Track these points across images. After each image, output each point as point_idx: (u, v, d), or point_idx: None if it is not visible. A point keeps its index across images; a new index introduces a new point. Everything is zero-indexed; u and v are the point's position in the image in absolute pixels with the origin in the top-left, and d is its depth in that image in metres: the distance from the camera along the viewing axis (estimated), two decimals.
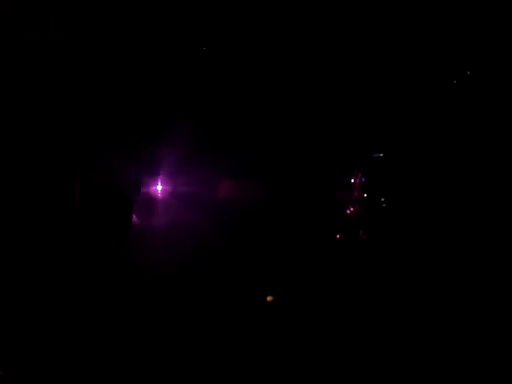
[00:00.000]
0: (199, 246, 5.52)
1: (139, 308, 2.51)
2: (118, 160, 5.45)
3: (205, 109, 5.80)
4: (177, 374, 4.12)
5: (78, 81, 4.88)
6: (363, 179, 6.04)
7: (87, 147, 5.26)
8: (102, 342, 2.36)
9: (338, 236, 5.96)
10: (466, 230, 5.45)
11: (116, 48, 5.33)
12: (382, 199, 5.99)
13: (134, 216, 5.54)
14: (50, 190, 4.55)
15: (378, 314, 5.13)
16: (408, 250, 5.61)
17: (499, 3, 5.09)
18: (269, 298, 5.59)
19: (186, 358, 4.47)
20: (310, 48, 5.76)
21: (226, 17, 5.57)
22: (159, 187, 5.67)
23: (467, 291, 5.09)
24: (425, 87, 5.81)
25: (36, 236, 4.14)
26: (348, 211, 6.00)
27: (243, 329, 5.10)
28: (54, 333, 2.35)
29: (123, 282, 2.50)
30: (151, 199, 5.58)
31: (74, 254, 2.46)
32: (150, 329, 2.51)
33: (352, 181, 6.03)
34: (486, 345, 4.57)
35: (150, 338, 2.50)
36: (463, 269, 5.24)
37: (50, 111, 4.42)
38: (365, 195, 6.01)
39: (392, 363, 4.65)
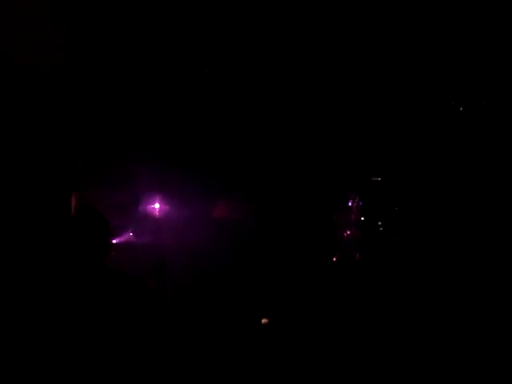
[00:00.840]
0: (196, 264, 5.51)
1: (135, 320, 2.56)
2: (117, 177, 5.47)
3: (203, 130, 5.82)
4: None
5: (78, 95, 4.91)
6: (361, 203, 6.05)
7: (86, 164, 5.27)
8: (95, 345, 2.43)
9: (334, 259, 5.96)
10: (463, 255, 5.45)
11: (110, 69, 5.36)
12: (379, 223, 6.00)
13: (131, 233, 5.56)
14: (46, 206, 4.55)
15: (375, 334, 5.11)
16: (404, 273, 5.60)
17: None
18: (264, 321, 5.56)
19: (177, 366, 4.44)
20: (307, 72, 5.79)
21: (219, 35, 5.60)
22: (157, 205, 5.68)
23: (463, 315, 5.07)
24: (422, 114, 5.85)
25: (30, 245, 4.15)
26: (345, 234, 6.00)
27: (237, 350, 5.08)
28: (47, 337, 2.44)
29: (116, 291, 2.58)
30: (149, 217, 5.59)
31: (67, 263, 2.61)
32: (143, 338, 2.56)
33: (350, 204, 6.05)
34: (483, 350, 4.55)
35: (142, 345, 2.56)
36: (460, 293, 5.24)
37: (50, 123, 4.43)
38: (362, 218, 6.02)
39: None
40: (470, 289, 5.21)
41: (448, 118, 5.75)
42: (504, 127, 5.50)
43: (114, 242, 5.60)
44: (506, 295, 5.04)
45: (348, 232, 6.01)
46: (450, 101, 5.73)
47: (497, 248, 5.32)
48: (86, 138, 5.16)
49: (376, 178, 6.08)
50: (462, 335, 4.85)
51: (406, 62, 5.65)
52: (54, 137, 4.39)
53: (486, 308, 5.02)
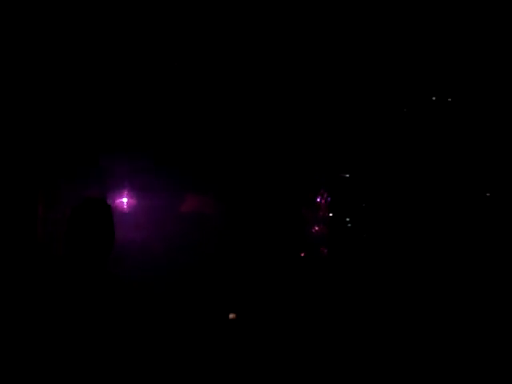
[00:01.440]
0: (163, 260, 5.47)
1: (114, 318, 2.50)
2: (83, 172, 5.39)
3: (172, 123, 5.77)
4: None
5: (47, 89, 4.83)
6: (329, 199, 6.07)
7: (51, 161, 5.18)
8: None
9: (302, 254, 5.98)
10: (432, 250, 5.52)
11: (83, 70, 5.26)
12: (347, 219, 6.04)
13: None
14: (13, 204, 4.48)
15: (342, 332, 5.15)
16: (371, 270, 5.66)
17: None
18: (231, 316, 5.56)
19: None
20: (279, 74, 5.77)
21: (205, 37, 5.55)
22: (125, 199, 5.62)
23: (435, 312, 5.15)
24: (390, 108, 5.89)
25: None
26: (313, 230, 6.02)
27: (206, 346, 5.07)
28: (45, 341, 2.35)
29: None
30: (116, 212, 5.52)
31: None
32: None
33: (318, 200, 6.07)
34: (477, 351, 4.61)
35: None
36: (430, 289, 5.31)
37: (16, 118, 4.36)
38: (330, 214, 6.05)
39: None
40: (441, 283, 5.28)
41: (418, 112, 5.80)
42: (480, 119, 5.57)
43: None
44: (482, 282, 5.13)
45: (316, 228, 6.03)
46: (423, 95, 5.76)
47: (467, 236, 5.41)
48: (55, 133, 5.07)
49: (344, 175, 6.11)
50: (444, 328, 4.92)
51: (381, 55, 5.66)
52: (20, 133, 4.32)
53: (465, 299, 5.10)
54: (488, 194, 5.61)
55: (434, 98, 5.74)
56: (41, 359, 2.30)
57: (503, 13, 5.12)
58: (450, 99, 5.70)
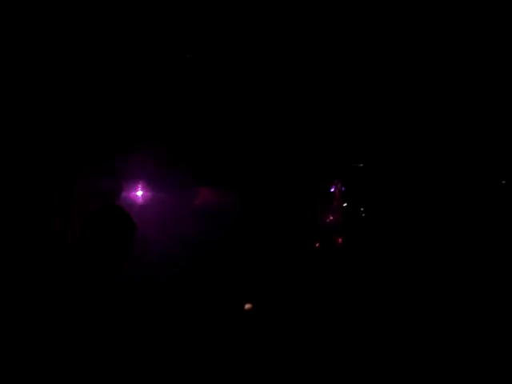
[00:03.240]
0: (179, 251, 5.51)
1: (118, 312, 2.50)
2: (101, 166, 5.44)
3: (183, 116, 5.79)
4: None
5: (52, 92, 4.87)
6: (343, 188, 6.08)
7: (67, 154, 5.23)
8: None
9: (317, 244, 6.00)
10: (445, 240, 5.51)
11: (90, 61, 5.29)
12: (362, 209, 6.04)
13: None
14: (29, 199, 4.53)
15: (357, 321, 5.16)
16: (386, 259, 5.66)
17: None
18: (247, 306, 5.59)
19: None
20: (286, 58, 5.77)
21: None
22: (139, 192, 5.66)
23: (447, 299, 5.15)
24: (404, 100, 5.87)
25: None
26: (327, 220, 6.04)
27: (221, 337, 5.10)
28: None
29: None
30: (131, 204, 5.57)
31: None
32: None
33: (332, 190, 6.08)
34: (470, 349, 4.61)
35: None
36: (442, 278, 5.31)
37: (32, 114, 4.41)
38: (344, 204, 6.05)
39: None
40: (453, 275, 5.28)
41: (432, 106, 5.78)
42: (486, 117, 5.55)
43: None
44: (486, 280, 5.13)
45: (330, 218, 6.05)
46: (434, 91, 5.75)
47: (480, 233, 5.40)
48: (71, 127, 5.12)
49: (358, 164, 6.11)
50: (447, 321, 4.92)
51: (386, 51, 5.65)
52: (38, 127, 4.37)
53: (471, 293, 5.10)
54: (504, 182, 5.58)
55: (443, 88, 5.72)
56: (45, 353, 2.29)
57: (503, 12, 5.10)
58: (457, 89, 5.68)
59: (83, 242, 2.45)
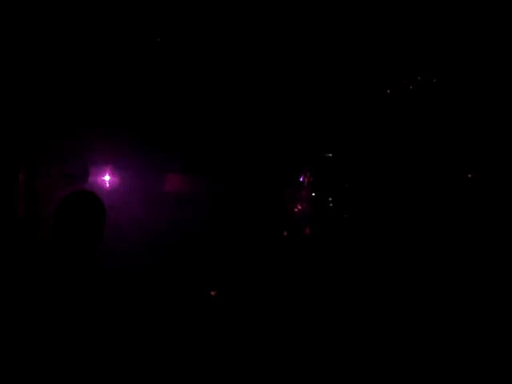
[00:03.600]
0: (144, 237, 5.46)
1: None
2: (66, 149, 5.35)
3: (155, 101, 5.72)
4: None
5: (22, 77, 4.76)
6: (312, 178, 6.10)
7: (32, 136, 5.13)
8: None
9: (284, 233, 6.01)
10: (410, 231, 5.58)
11: (68, 46, 5.18)
12: (330, 198, 6.07)
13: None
14: None
15: (322, 309, 5.20)
16: (352, 249, 5.70)
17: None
18: (213, 293, 5.58)
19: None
20: (257, 48, 5.73)
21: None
22: (107, 177, 5.58)
23: (410, 289, 5.21)
24: (373, 89, 5.89)
25: None
26: (296, 209, 6.05)
27: (185, 326, 5.08)
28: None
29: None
30: (98, 188, 5.49)
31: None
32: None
33: (301, 179, 6.09)
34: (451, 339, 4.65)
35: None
36: (405, 266, 5.37)
37: None
38: (313, 194, 6.07)
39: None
40: (421, 267, 5.34)
41: (398, 93, 5.81)
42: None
43: None
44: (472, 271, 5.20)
45: (299, 207, 6.06)
46: (400, 78, 5.77)
47: (452, 223, 5.47)
48: (34, 110, 5.01)
49: (327, 154, 6.13)
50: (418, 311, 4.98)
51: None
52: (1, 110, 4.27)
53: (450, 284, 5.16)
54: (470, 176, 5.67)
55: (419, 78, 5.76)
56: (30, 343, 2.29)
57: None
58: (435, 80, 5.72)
59: (57, 227, 2.44)
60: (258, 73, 5.82)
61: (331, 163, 6.10)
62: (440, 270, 5.30)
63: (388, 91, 5.89)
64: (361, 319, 5.02)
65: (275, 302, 5.33)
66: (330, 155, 6.10)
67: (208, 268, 5.54)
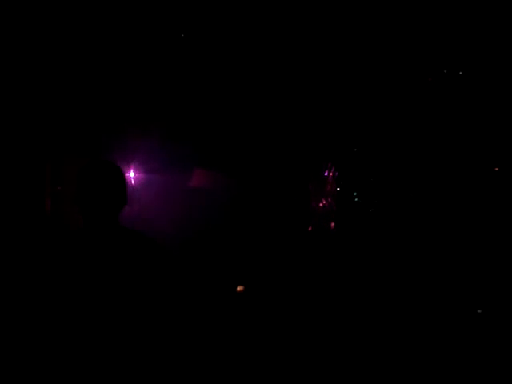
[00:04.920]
0: (171, 233, 5.48)
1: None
2: (92, 148, 5.40)
3: (178, 99, 5.74)
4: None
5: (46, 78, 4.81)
6: (336, 173, 6.06)
7: (57, 137, 5.19)
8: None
9: (309, 228, 5.99)
10: (437, 226, 5.52)
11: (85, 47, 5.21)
12: (355, 193, 6.03)
13: None
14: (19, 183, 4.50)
15: (349, 305, 5.17)
16: (378, 244, 5.66)
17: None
18: (239, 288, 5.59)
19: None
20: (279, 41, 5.71)
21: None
22: (131, 174, 5.62)
23: (438, 285, 5.16)
24: (398, 83, 5.84)
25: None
26: (320, 204, 6.02)
27: (212, 321, 5.09)
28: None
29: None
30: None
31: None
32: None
33: (325, 174, 6.06)
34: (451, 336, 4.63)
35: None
36: (433, 263, 5.32)
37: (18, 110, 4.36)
38: (337, 189, 6.04)
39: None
40: (446, 262, 5.29)
41: (427, 91, 5.75)
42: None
43: None
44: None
45: (323, 202, 6.03)
46: (429, 77, 5.72)
47: (473, 223, 5.41)
48: (59, 110, 5.06)
49: (352, 148, 6.09)
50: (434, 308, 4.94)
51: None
52: (28, 111, 4.32)
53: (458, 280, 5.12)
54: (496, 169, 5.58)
55: (445, 71, 5.69)
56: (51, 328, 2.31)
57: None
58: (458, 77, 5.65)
59: (80, 195, 2.46)
60: (283, 67, 5.80)
61: (356, 157, 6.05)
62: (467, 268, 5.24)
63: (413, 84, 5.84)
64: (387, 315, 4.99)
65: (299, 297, 5.32)
66: (355, 149, 6.06)
67: (233, 263, 5.54)
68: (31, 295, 2.42)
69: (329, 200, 5.99)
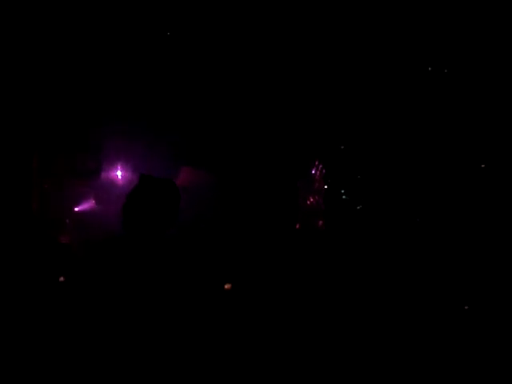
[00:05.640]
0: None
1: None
2: (79, 146, 5.39)
3: (166, 97, 5.74)
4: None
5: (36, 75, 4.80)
6: (324, 171, 6.08)
7: (46, 134, 5.17)
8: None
9: (297, 226, 6.00)
10: (425, 222, 5.55)
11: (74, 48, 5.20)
12: (342, 191, 6.05)
13: (93, 200, 5.50)
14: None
15: (335, 302, 5.19)
16: (367, 241, 5.68)
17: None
18: (226, 286, 5.59)
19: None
20: (266, 45, 5.71)
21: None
22: (119, 173, 5.62)
23: (427, 281, 5.19)
24: (385, 83, 5.86)
25: None
26: (308, 202, 6.04)
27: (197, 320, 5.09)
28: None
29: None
30: (111, 184, 5.52)
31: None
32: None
33: (313, 172, 6.07)
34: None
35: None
36: (423, 259, 5.35)
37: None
38: (325, 187, 6.06)
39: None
40: (431, 258, 5.32)
41: (413, 90, 5.78)
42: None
43: (76, 209, 5.53)
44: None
45: (311, 200, 6.05)
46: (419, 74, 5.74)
47: (457, 218, 5.44)
48: (45, 108, 5.05)
49: (339, 146, 6.11)
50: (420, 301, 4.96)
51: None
52: (14, 108, 4.31)
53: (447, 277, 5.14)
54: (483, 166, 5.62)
55: (429, 68, 5.72)
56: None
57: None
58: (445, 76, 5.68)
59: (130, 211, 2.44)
60: (272, 67, 5.81)
61: (343, 155, 6.07)
62: (453, 264, 5.27)
63: (401, 84, 5.86)
64: (373, 313, 5.01)
65: (287, 295, 5.33)
66: (342, 147, 6.08)
67: (220, 261, 5.55)
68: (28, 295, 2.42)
69: (316, 198, 6.01)
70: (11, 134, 4.47)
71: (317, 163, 6.07)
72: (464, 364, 4.23)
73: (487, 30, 5.25)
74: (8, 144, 4.46)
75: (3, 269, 3.48)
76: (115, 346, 2.38)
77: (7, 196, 4.50)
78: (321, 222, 5.99)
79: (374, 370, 4.23)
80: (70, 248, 4.56)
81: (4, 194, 4.49)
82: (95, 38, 5.21)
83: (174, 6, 5.35)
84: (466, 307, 4.85)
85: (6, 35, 4.47)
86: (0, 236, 4.16)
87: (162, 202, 2.46)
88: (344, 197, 6.05)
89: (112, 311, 2.39)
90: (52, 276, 2.45)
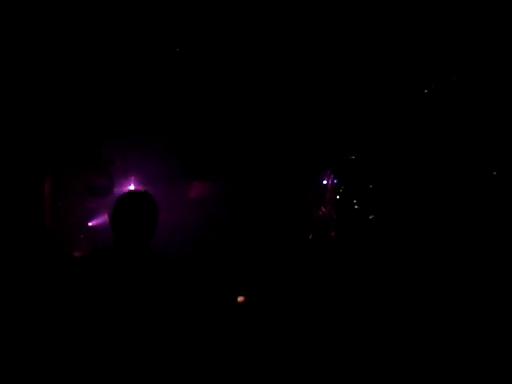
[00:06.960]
0: (171, 245, 5.49)
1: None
2: (91, 160, 5.44)
3: (176, 112, 5.77)
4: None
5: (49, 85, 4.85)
6: (335, 181, 6.08)
7: (56, 151, 5.22)
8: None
9: (309, 237, 6.00)
10: (436, 232, 5.53)
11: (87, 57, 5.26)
12: (354, 201, 6.05)
13: (106, 215, 5.53)
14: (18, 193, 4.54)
15: (349, 312, 5.17)
16: (378, 251, 5.66)
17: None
18: (240, 299, 5.58)
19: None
20: (278, 51, 5.73)
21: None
22: (131, 187, 5.65)
23: (437, 291, 5.16)
24: (396, 93, 5.86)
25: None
26: (320, 212, 6.04)
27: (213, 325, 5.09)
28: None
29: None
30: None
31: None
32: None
33: (324, 182, 6.08)
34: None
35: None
36: (432, 269, 5.32)
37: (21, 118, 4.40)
38: (337, 197, 6.06)
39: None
40: (444, 268, 5.29)
41: (423, 97, 5.77)
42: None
43: (89, 224, 5.58)
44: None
45: (323, 210, 6.05)
46: (426, 83, 5.74)
47: (468, 223, 5.42)
48: (59, 124, 5.10)
49: (351, 157, 6.11)
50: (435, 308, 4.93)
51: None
52: (26, 125, 4.36)
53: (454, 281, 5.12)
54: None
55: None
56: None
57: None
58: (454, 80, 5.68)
59: (116, 222, 2.55)
60: (283, 76, 5.82)
61: (354, 165, 6.08)
62: (469, 271, 5.24)
63: (411, 93, 5.86)
64: (386, 322, 4.98)
65: (302, 306, 5.31)
66: (353, 157, 6.08)
67: (234, 273, 5.55)
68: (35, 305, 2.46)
69: (328, 208, 6.01)
70: (24, 150, 4.52)
71: (328, 173, 6.08)
72: (464, 364, 4.22)
73: (488, 32, 5.25)
74: (21, 161, 4.51)
75: (17, 284, 3.51)
76: (117, 351, 2.42)
77: (21, 212, 4.55)
78: (333, 233, 5.99)
79: (384, 373, 4.23)
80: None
81: (17, 210, 4.54)
82: (108, 56, 5.27)
83: (185, 25, 5.39)
84: (470, 311, 4.83)
85: (18, 54, 4.53)
86: (14, 252, 4.21)
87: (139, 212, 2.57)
88: (356, 207, 6.05)
89: (119, 321, 2.43)
90: (66, 291, 2.48)
